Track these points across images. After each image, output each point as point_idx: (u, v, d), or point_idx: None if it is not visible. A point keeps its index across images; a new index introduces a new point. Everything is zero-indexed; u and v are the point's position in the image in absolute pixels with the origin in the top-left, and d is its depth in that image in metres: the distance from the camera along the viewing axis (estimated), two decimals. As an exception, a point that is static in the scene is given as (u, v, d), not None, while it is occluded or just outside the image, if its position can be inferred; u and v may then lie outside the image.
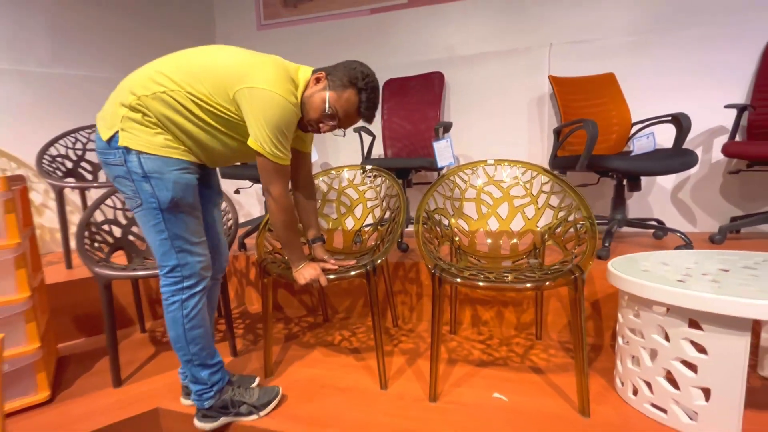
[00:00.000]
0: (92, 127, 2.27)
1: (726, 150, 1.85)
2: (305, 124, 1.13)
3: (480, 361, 1.45)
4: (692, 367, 1.00)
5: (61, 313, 1.73)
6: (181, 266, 1.07)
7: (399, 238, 2.05)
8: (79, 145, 2.21)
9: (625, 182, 1.88)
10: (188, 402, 1.24)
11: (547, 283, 1.08)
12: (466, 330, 1.72)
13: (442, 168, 1.98)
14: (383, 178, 1.64)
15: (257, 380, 1.31)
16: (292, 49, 2.90)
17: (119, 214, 1.63)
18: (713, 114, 2.13)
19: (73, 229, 2.19)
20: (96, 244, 1.47)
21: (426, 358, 1.47)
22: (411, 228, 2.45)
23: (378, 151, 2.61)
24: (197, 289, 1.10)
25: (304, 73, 1.12)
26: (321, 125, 1.12)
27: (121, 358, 1.53)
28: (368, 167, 1.67)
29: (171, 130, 1.02)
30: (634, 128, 2.09)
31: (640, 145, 1.90)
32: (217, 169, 1.32)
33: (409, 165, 2.06)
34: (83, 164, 2.20)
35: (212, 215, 1.23)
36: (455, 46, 2.55)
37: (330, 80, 1.09)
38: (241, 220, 2.99)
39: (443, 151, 1.88)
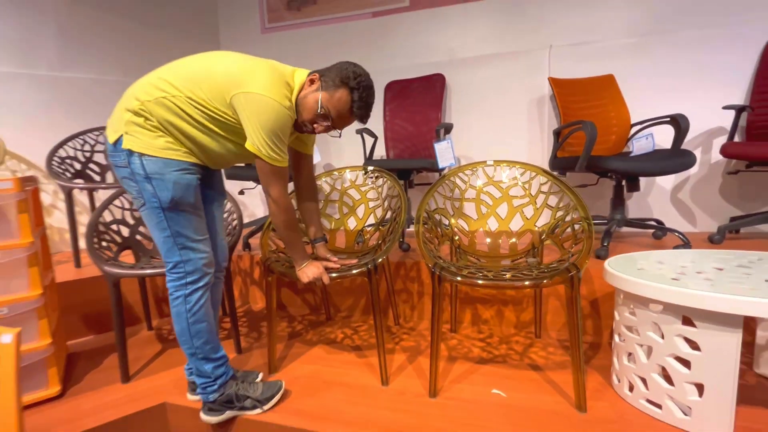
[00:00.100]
0: (100, 129, 2.32)
1: (724, 151, 1.87)
2: (300, 125, 1.16)
3: (480, 358, 1.47)
4: (686, 364, 1.02)
5: (71, 311, 1.78)
6: (184, 262, 1.11)
7: (400, 238, 2.08)
8: (87, 147, 2.26)
9: (624, 183, 1.90)
10: (194, 397, 1.27)
11: (545, 281, 1.11)
12: (467, 328, 1.75)
13: (443, 169, 2.01)
14: (385, 179, 1.67)
15: (261, 375, 1.34)
16: (296, 52, 2.94)
17: (127, 214, 1.67)
18: (712, 115, 2.15)
19: (81, 229, 2.24)
20: (105, 244, 1.51)
21: (426, 356, 1.50)
22: (412, 228, 2.47)
23: (380, 152, 2.64)
24: (200, 284, 1.14)
25: (300, 75, 1.15)
26: (315, 126, 1.14)
27: (128, 355, 1.57)
28: (370, 168, 1.70)
29: (172, 133, 1.06)
30: (634, 129, 2.11)
31: (639, 145, 1.92)
32: (222, 171, 1.36)
33: (410, 166, 2.09)
34: (91, 165, 2.25)
35: (212, 214, 1.27)
36: (456, 48, 2.58)
37: (323, 81, 1.12)
38: (246, 220, 3.03)
39: (444, 152, 1.91)
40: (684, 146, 2.14)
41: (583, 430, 1.06)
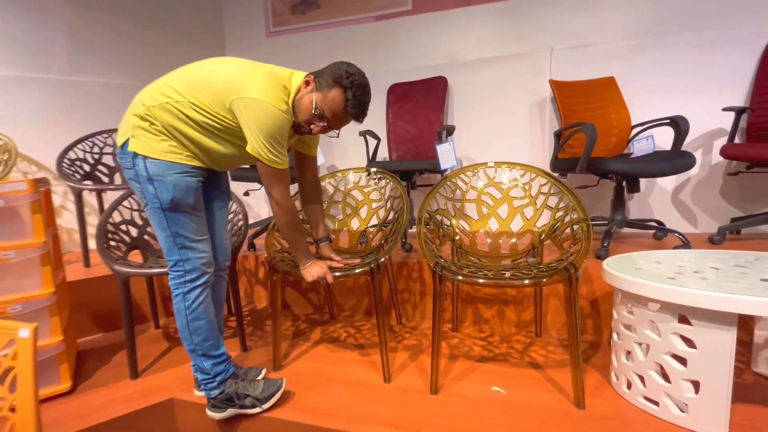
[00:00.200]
0: (108, 131, 2.37)
1: (724, 152, 1.88)
2: (297, 126, 1.18)
3: (480, 357, 1.49)
4: (682, 361, 1.04)
5: (80, 310, 1.82)
6: (183, 261, 1.15)
7: (402, 239, 2.11)
8: (96, 149, 2.30)
9: (624, 184, 1.92)
10: (201, 393, 1.31)
11: (544, 280, 1.13)
12: (468, 328, 1.77)
13: (445, 170, 2.03)
14: (387, 180, 1.70)
15: (263, 372, 1.37)
16: (300, 55, 2.98)
17: (135, 215, 1.71)
18: (713, 116, 2.16)
19: (90, 230, 2.28)
20: (114, 244, 1.55)
21: (428, 354, 1.52)
22: (414, 229, 2.50)
23: (383, 154, 2.67)
24: (198, 282, 1.17)
25: (297, 78, 1.17)
26: (312, 126, 1.17)
27: (136, 353, 1.61)
28: (373, 170, 1.73)
29: (176, 137, 1.10)
30: (634, 131, 2.12)
31: (639, 147, 1.94)
32: (228, 172, 1.39)
33: (412, 167, 2.11)
34: (100, 167, 2.30)
35: (216, 214, 1.30)
36: (458, 51, 2.61)
37: (317, 82, 1.14)
38: (251, 221, 3.07)
39: (446, 154, 1.94)
40: (685, 147, 2.15)
41: (581, 426, 1.08)
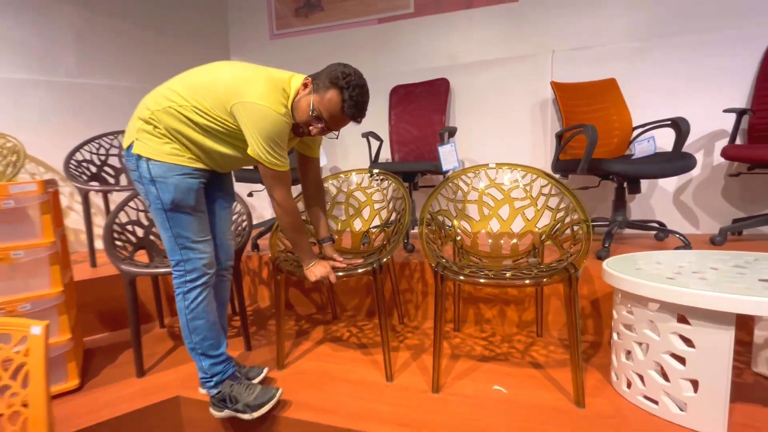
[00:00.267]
0: (114, 133, 2.40)
1: (725, 153, 1.89)
2: (297, 128, 1.19)
3: (482, 356, 1.51)
4: (681, 360, 1.05)
5: (86, 309, 1.84)
6: (184, 261, 1.17)
7: (405, 239, 2.12)
8: (102, 151, 2.34)
9: (625, 185, 1.93)
10: (204, 391, 1.32)
11: (544, 280, 1.15)
12: (469, 327, 1.79)
13: (447, 171, 2.05)
14: (390, 182, 1.72)
15: (264, 372, 1.38)
16: (303, 58, 3.01)
17: (141, 215, 1.73)
18: (714, 118, 2.16)
19: (96, 231, 2.31)
20: (120, 244, 1.57)
21: (430, 354, 1.54)
22: (416, 229, 2.52)
23: (385, 155, 2.69)
24: (198, 282, 1.19)
25: (296, 81, 1.18)
26: (310, 128, 1.18)
27: (142, 351, 1.63)
28: (375, 171, 1.75)
29: (179, 140, 1.13)
30: (635, 132, 2.13)
31: (641, 148, 1.95)
32: (232, 173, 1.41)
33: (414, 169, 2.13)
34: (106, 169, 2.33)
35: (219, 215, 1.32)
36: (460, 53, 2.63)
37: (314, 84, 1.15)
38: (255, 221, 3.09)
39: (448, 155, 1.95)
40: (686, 149, 2.16)
41: (581, 424, 1.09)
